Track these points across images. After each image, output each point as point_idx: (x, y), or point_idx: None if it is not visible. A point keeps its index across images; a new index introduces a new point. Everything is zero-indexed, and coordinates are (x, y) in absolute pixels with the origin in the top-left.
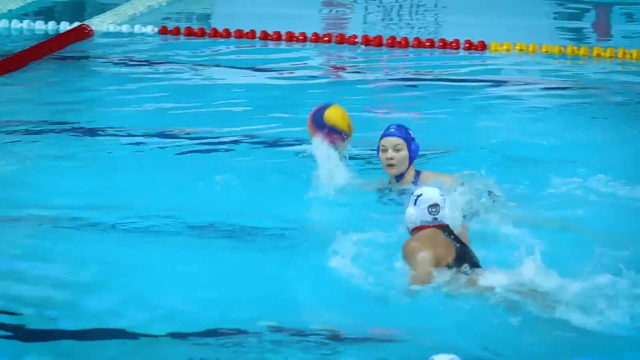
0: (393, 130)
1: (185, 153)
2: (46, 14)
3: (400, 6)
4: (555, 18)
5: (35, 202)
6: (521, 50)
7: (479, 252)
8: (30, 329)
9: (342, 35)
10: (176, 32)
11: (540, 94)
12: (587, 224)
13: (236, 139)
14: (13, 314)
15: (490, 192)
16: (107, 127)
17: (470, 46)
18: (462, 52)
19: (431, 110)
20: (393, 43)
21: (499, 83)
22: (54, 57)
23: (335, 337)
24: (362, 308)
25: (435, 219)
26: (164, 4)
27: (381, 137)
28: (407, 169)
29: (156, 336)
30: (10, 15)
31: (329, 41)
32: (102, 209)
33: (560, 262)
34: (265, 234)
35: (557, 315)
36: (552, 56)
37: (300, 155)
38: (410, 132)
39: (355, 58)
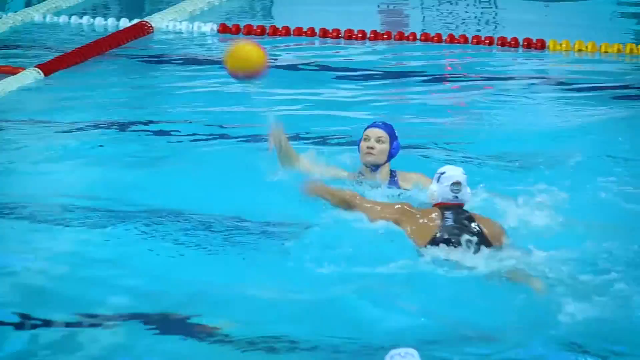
0: (380, 123)
1: (237, 149)
2: (106, 11)
3: (459, 3)
4: (614, 17)
5: (92, 194)
6: (580, 50)
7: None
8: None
9: (401, 33)
10: (236, 30)
11: (598, 94)
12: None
13: (291, 135)
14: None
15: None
16: (164, 121)
17: (529, 44)
18: (520, 50)
19: (486, 109)
20: (452, 40)
21: (556, 82)
22: (113, 53)
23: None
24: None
25: (456, 197)
26: (224, 1)
27: (366, 128)
28: (384, 164)
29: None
30: (70, 12)
31: (387, 38)
32: (155, 202)
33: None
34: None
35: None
36: (611, 55)
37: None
38: (395, 132)
39: (413, 54)
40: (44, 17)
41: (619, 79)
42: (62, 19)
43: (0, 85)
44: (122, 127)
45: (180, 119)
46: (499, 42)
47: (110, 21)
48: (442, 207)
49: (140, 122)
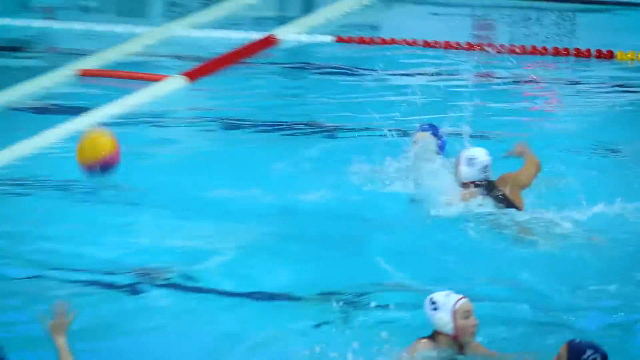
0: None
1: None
2: (238, 25)
3: (543, 19)
4: None
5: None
6: None
7: None
8: None
9: (491, 45)
10: (349, 40)
11: None
12: None
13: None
14: None
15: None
16: (294, 123)
17: (599, 54)
18: (593, 60)
19: (565, 113)
20: (534, 51)
21: (622, 90)
22: (246, 61)
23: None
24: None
25: (487, 176)
26: (339, 16)
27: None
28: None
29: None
30: (206, 26)
31: (480, 49)
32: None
33: None
34: None
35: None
36: None
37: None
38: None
39: (501, 64)
40: (186, 31)
41: None
42: (201, 32)
43: (148, 91)
44: (260, 125)
45: (308, 116)
46: (574, 52)
47: (242, 34)
48: (474, 185)
49: (283, 122)
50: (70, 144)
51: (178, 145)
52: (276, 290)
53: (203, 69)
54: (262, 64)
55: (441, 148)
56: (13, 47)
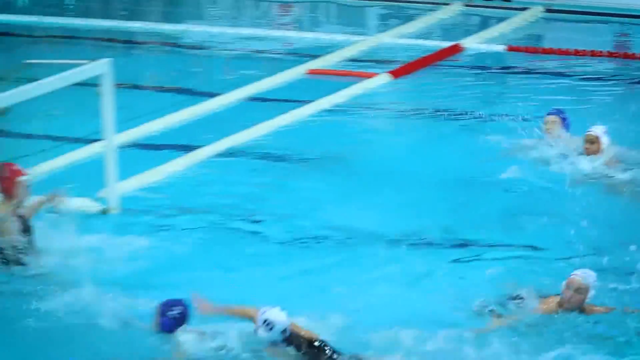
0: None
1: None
2: (433, 35)
3: None
4: None
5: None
6: None
7: None
8: None
9: (628, 54)
10: (518, 49)
11: None
12: None
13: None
14: None
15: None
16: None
17: None
18: None
19: None
20: None
21: None
22: (436, 65)
23: None
24: None
25: None
26: (510, 30)
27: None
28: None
29: None
30: (407, 36)
31: (625, 57)
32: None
33: None
34: None
35: None
36: None
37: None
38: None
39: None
40: (392, 39)
41: None
42: (404, 40)
43: (361, 86)
44: (453, 114)
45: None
46: None
47: (435, 42)
48: None
49: (467, 111)
50: (303, 126)
51: (386, 130)
52: None
53: (404, 69)
54: (450, 66)
55: (567, 127)
56: (257, 51)
